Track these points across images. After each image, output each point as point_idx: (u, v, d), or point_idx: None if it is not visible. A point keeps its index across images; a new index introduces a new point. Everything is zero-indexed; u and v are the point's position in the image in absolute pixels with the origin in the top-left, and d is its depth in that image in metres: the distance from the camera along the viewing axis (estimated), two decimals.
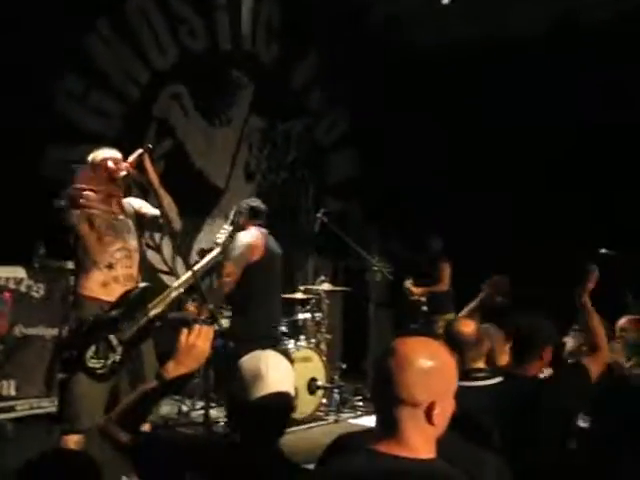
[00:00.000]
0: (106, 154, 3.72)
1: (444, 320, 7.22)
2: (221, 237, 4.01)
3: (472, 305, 3.84)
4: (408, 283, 7.71)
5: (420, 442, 1.68)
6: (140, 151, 3.54)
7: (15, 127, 5.75)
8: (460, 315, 3.63)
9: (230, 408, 2.06)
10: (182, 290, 3.68)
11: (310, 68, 9.29)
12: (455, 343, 3.05)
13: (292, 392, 2.01)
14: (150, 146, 3.59)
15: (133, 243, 3.72)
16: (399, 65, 9.10)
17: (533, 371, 3.11)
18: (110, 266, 3.57)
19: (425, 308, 7.67)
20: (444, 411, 1.70)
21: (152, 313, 3.57)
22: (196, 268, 3.75)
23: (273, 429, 1.99)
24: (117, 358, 3.45)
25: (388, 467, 1.62)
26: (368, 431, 2.37)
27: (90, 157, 3.76)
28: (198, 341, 2.11)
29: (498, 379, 3.08)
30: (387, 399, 1.69)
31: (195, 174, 7.87)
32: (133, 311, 3.52)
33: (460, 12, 8.46)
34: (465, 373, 2.98)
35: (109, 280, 3.56)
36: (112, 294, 3.55)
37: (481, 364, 3.17)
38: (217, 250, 3.95)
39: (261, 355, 2.00)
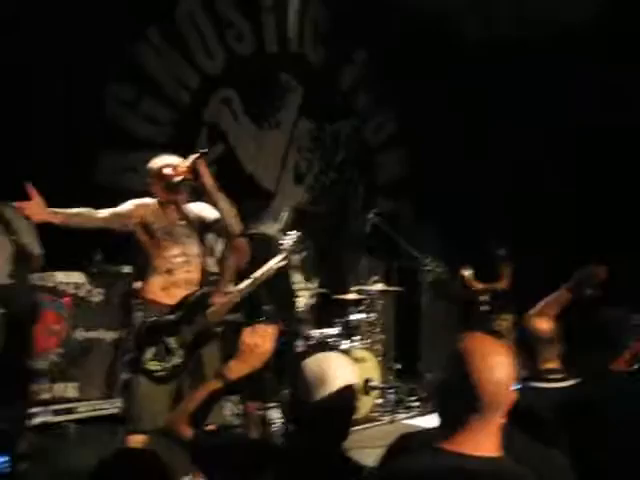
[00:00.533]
0: (163, 161, 3.76)
1: (503, 320, 7.15)
2: (287, 242, 3.99)
3: (548, 299, 3.53)
4: (467, 273, 7.58)
5: (487, 440, 1.66)
6: (195, 155, 3.57)
7: (68, 134, 5.87)
8: (534, 311, 3.38)
9: (292, 410, 2.05)
10: (243, 295, 3.69)
11: (357, 68, 9.27)
12: (529, 341, 2.92)
13: (356, 393, 2.00)
14: (205, 150, 3.62)
15: (194, 248, 3.74)
16: (448, 63, 9.01)
17: (617, 367, 2.91)
18: (169, 271, 3.61)
19: (486, 308, 7.58)
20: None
21: (211, 317, 3.59)
22: (257, 275, 3.75)
23: (338, 430, 1.98)
24: (177, 361, 3.48)
25: (457, 465, 1.60)
26: (430, 430, 2.34)
27: (149, 165, 3.81)
28: (261, 340, 2.11)
29: (573, 381, 2.92)
30: (454, 397, 1.68)
31: (246, 178, 7.92)
32: (192, 315, 3.55)
33: (507, 5, 8.36)
34: (538, 373, 2.88)
35: (169, 285, 3.60)
36: (172, 298, 3.59)
37: (555, 365, 2.97)
38: (281, 255, 3.93)
39: (325, 356, 1.99)
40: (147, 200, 3.74)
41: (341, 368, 1.98)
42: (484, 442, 1.66)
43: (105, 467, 1.73)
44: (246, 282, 3.73)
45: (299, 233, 4.04)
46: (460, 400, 1.66)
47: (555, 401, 2.71)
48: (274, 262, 3.87)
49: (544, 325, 3.01)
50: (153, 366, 3.44)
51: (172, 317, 3.54)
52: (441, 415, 1.74)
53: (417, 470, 1.63)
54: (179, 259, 3.64)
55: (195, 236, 3.77)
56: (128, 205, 3.65)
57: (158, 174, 3.70)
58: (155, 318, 3.52)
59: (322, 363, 1.96)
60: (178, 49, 7.21)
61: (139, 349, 3.45)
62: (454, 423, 1.67)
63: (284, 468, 1.92)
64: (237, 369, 2.12)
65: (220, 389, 2.12)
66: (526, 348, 2.91)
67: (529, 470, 1.69)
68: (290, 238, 4.03)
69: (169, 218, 3.70)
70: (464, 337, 1.75)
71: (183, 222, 3.76)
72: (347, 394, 1.95)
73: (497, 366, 1.66)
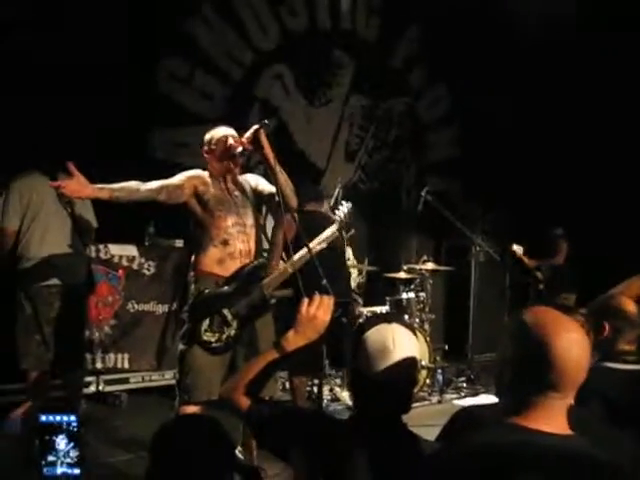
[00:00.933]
0: (226, 131, 3.75)
1: (564, 299, 7.03)
2: (340, 213, 3.96)
3: (632, 280, 3.38)
4: (517, 248, 7.46)
5: (560, 418, 1.62)
6: (256, 127, 3.53)
7: (121, 110, 5.92)
8: (617, 290, 3.25)
9: (354, 383, 2.02)
10: (297, 267, 3.66)
11: (411, 44, 9.14)
12: (614, 319, 2.85)
13: (417, 365, 1.97)
14: (267, 122, 3.56)
15: (249, 218, 3.72)
16: (501, 40, 8.82)
17: None
18: (225, 242, 3.60)
19: (542, 286, 7.47)
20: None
21: (267, 289, 3.58)
22: (312, 244, 3.72)
23: (401, 403, 1.95)
24: (232, 332, 3.49)
25: (530, 440, 1.56)
26: (488, 406, 2.30)
27: (208, 135, 3.79)
28: (318, 312, 2.10)
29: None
30: (527, 374, 1.63)
31: (297, 154, 7.91)
32: (247, 286, 3.55)
33: None
34: (616, 354, 2.81)
35: (225, 256, 3.59)
36: (228, 270, 3.59)
37: (632, 347, 2.89)
38: (335, 226, 3.90)
39: (387, 328, 1.96)
40: (199, 171, 3.73)
41: (403, 339, 1.95)
42: (557, 420, 1.61)
43: (167, 432, 1.74)
44: (300, 253, 3.71)
45: (351, 204, 4.00)
46: (535, 377, 1.61)
47: (629, 382, 2.65)
48: (327, 233, 3.85)
49: (631, 306, 2.93)
50: (209, 337, 3.45)
51: (227, 289, 3.54)
52: (510, 391, 1.69)
53: (494, 445, 1.59)
54: (235, 229, 3.62)
55: (250, 206, 3.75)
56: (180, 176, 3.63)
57: (221, 142, 3.68)
58: (211, 289, 3.53)
59: (385, 334, 1.94)
60: (231, 24, 7.20)
61: (195, 320, 3.46)
62: (526, 400, 1.63)
63: (343, 441, 1.90)
64: (294, 340, 2.11)
65: (277, 360, 2.12)
66: (609, 325, 2.83)
67: (601, 451, 1.63)
68: (343, 209, 3.99)
69: (223, 188, 3.69)
70: (533, 311, 1.70)
71: (237, 193, 3.75)
72: (409, 365, 1.92)
73: (575, 343, 1.61)
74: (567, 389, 1.61)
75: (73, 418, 2.15)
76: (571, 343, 1.61)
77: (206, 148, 3.77)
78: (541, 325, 1.64)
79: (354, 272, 6.63)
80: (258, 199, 3.83)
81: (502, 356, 1.72)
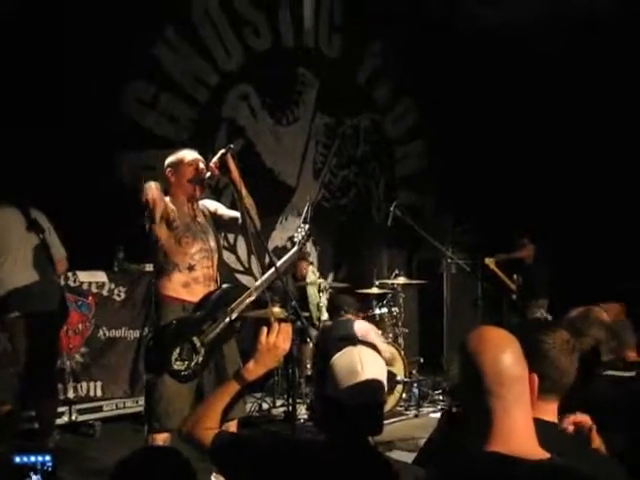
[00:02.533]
0: (195, 155, 3.75)
1: (537, 307, 7.14)
2: (298, 235, 3.98)
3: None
4: (490, 261, 7.58)
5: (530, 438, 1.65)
6: (222, 151, 3.54)
7: (87, 134, 5.89)
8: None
9: (322, 407, 2.01)
10: (262, 290, 3.67)
11: (375, 60, 9.22)
12: (596, 330, 2.88)
13: (385, 387, 1.97)
14: (232, 146, 3.57)
15: (212, 244, 3.73)
16: (465, 50, 8.92)
17: None
18: (191, 268, 3.60)
19: (514, 297, 7.56)
20: None
21: (233, 314, 3.58)
22: (270, 272, 3.73)
23: (370, 426, 1.94)
24: (200, 359, 3.47)
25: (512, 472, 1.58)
26: None
27: (174, 158, 3.77)
28: (278, 340, 2.10)
29: (632, 373, 2.88)
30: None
31: (266, 173, 7.92)
32: (215, 312, 3.54)
33: None
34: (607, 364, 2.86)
35: (190, 281, 3.59)
36: (193, 294, 3.59)
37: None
38: (295, 249, 3.91)
39: (353, 350, 1.95)
40: (165, 197, 3.70)
41: (370, 361, 1.94)
42: (530, 442, 1.64)
43: (126, 466, 1.72)
44: (264, 277, 3.72)
45: (308, 226, 4.01)
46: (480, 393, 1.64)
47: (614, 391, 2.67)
48: (289, 255, 3.86)
49: (606, 316, 3.02)
50: (179, 366, 3.43)
51: (197, 316, 3.53)
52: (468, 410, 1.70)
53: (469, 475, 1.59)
54: (200, 255, 3.63)
55: (212, 231, 3.77)
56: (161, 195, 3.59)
57: (192, 166, 3.67)
58: (180, 318, 3.51)
59: (353, 358, 1.93)
60: (195, 46, 7.21)
61: (165, 349, 3.43)
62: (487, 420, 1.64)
63: (311, 467, 1.89)
64: (255, 370, 2.10)
65: (239, 390, 2.11)
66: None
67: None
68: (300, 231, 4.00)
69: (187, 214, 3.68)
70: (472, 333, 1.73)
71: (200, 218, 3.75)
72: (378, 388, 1.92)
73: (505, 356, 1.65)
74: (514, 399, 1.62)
75: (48, 458, 2.13)
76: (497, 356, 1.64)
77: (171, 170, 3.74)
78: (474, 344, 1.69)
79: (312, 289, 6.68)
80: (217, 224, 3.84)
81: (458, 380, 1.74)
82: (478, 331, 1.73)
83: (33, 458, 2.13)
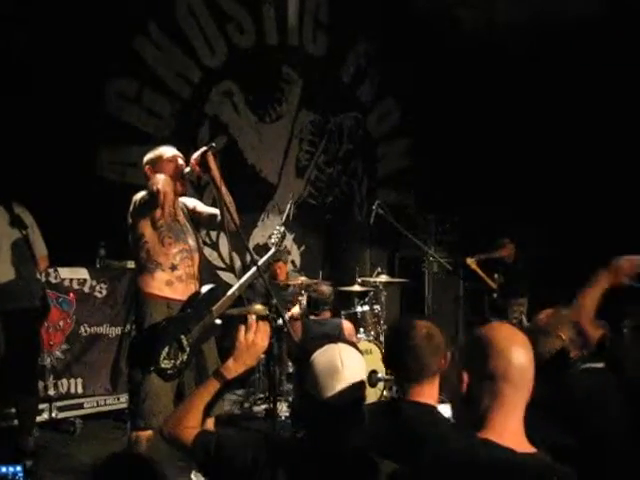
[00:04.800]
0: (174, 151, 3.73)
1: (519, 305, 7.21)
2: (274, 237, 3.99)
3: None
4: (471, 261, 7.64)
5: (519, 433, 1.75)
6: (204, 149, 3.52)
7: (70, 130, 5.86)
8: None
9: (302, 405, 2.02)
10: (244, 288, 3.68)
11: (359, 59, 9.23)
12: (570, 330, 2.95)
13: (365, 384, 1.99)
14: (214, 144, 3.56)
15: (192, 243, 3.72)
16: (449, 51, 8.96)
17: None
18: (173, 267, 3.59)
19: (495, 295, 7.62)
20: None
21: (216, 313, 3.58)
22: (250, 273, 3.74)
23: (351, 423, 1.95)
24: (184, 358, 3.47)
25: (501, 457, 1.65)
26: None
27: (153, 154, 3.76)
28: (256, 338, 2.11)
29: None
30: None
31: (249, 170, 7.91)
32: (201, 311, 3.54)
33: None
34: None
35: (173, 279, 3.58)
36: (177, 292, 3.58)
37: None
38: (272, 250, 3.92)
39: (334, 348, 1.96)
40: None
41: (351, 358, 1.96)
42: (519, 435, 1.71)
43: (98, 472, 1.72)
44: (246, 276, 3.73)
45: (283, 228, 4.02)
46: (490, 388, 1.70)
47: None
48: (267, 256, 3.87)
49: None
50: (166, 364, 3.42)
51: (184, 315, 3.53)
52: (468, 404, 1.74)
53: (460, 461, 1.63)
54: (181, 255, 3.62)
55: (191, 230, 3.76)
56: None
57: (173, 162, 3.66)
58: (169, 317, 3.50)
59: (332, 355, 1.94)
60: (178, 42, 7.18)
61: (154, 348, 3.42)
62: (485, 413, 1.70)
63: (293, 467, 1.90)
64: (234, 368, 2.11)
65: (219, 389, 2.11)
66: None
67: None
68: (277, 234, 4.01)
69: (168, 213, 3.65)
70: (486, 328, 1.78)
71: (180, 217, 3.74)
72: (358, 385, 1.93)
73: (522, 354, 1.71)
74: (510, 382, 1.69)
75: (19, 469, 2.11)
76: (512, 342, 1.72)
77: (150, 167, 3.71)
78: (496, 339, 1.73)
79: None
80: (197, 221, 3.84)
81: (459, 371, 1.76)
82: (504, 327, 1.78)
83: (4, 469, 2.11)
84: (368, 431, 2.02)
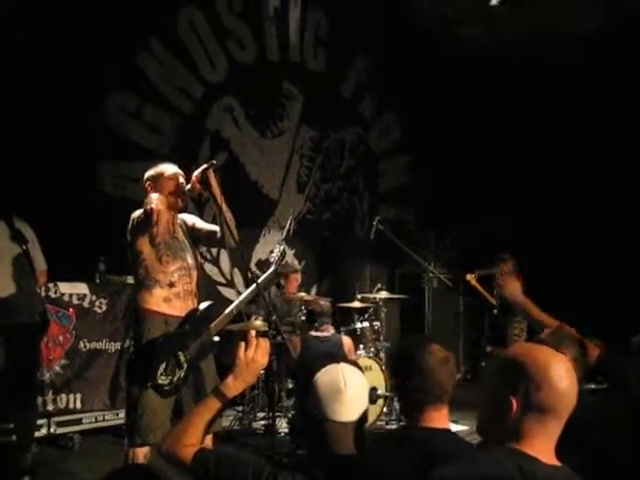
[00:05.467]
0: (175, 169, 3.75)
1: (518, 323, 7.16)
2: (274, 255, 3.99)
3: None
4: (471, 277, 7.59)
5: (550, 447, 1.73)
6: (205, 166, 3.54)
7: (70, 144, 5.86)
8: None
9: (305, 424, 2.01)
10: (244, 305, 3.68)
11: (360, 75, 9.27)
12: (574, 348, 2.93)
13: (367, 404, 1.98)
14: (215, 162, 3.58)
15: (190, 260, 3.73)
16: (450, 68, 9.00)
17: None
18: (171, 284, 3.60)
19: (495, 312, 7.58)
20: None
21: (214, 330, 3.58)
22: (249, 290, 3.74)
23: (356, 441, 1.94)
24: (182, 375, 3.47)
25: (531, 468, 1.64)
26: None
27: (154, 171, 3.77)
28: (256, 355, 2.09)
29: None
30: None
31: (250, 186, 7.92)
32: (199, 328, 3.54)
33: (510, 12, 8.35)
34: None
35: (171, 296, 3.59)
36: (175, 308, 3.58)
37: None
38: (271, 269, 3.92)
39: (336, 367, 1.96)
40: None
41: (353, 377, 1.95)
42: (549, 449, 1.70)
43: None
44: (245, 293, 3.74)
45: (283, 246, 4.02)
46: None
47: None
48: (267, 274, 3.88)
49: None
50: (163, 380, 3.42)
51: (182, 331, 3.52)
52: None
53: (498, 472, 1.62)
54: (179, 272, 3.63)
55: (190, 247, 3.77)
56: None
57: (174, 179, 3.67)
58: (167, 333, 3.50)
59: (335, 376, 1.93)
60: (180, 58, 7.21)
61: (152, 364, 3.41)
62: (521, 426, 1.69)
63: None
64: (234, 386, 2.09)
65: (219, 407, 2.10)
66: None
67: None
68: (277, 252, 4.01)
69: (167, 230, 3.65)
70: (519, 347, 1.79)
71: (179, 234, 3.74)
72: (360, 406, 1.92)
73: (565, 373, 1.71)
74: (558, 414, 1.68)
75: None
76: (561, 372, 1.70)
77: (151, 184, 3.73)
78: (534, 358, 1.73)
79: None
80: (196, 238, 3.84)
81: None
82: (553, 355, 1.76)
83: None
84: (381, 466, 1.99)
